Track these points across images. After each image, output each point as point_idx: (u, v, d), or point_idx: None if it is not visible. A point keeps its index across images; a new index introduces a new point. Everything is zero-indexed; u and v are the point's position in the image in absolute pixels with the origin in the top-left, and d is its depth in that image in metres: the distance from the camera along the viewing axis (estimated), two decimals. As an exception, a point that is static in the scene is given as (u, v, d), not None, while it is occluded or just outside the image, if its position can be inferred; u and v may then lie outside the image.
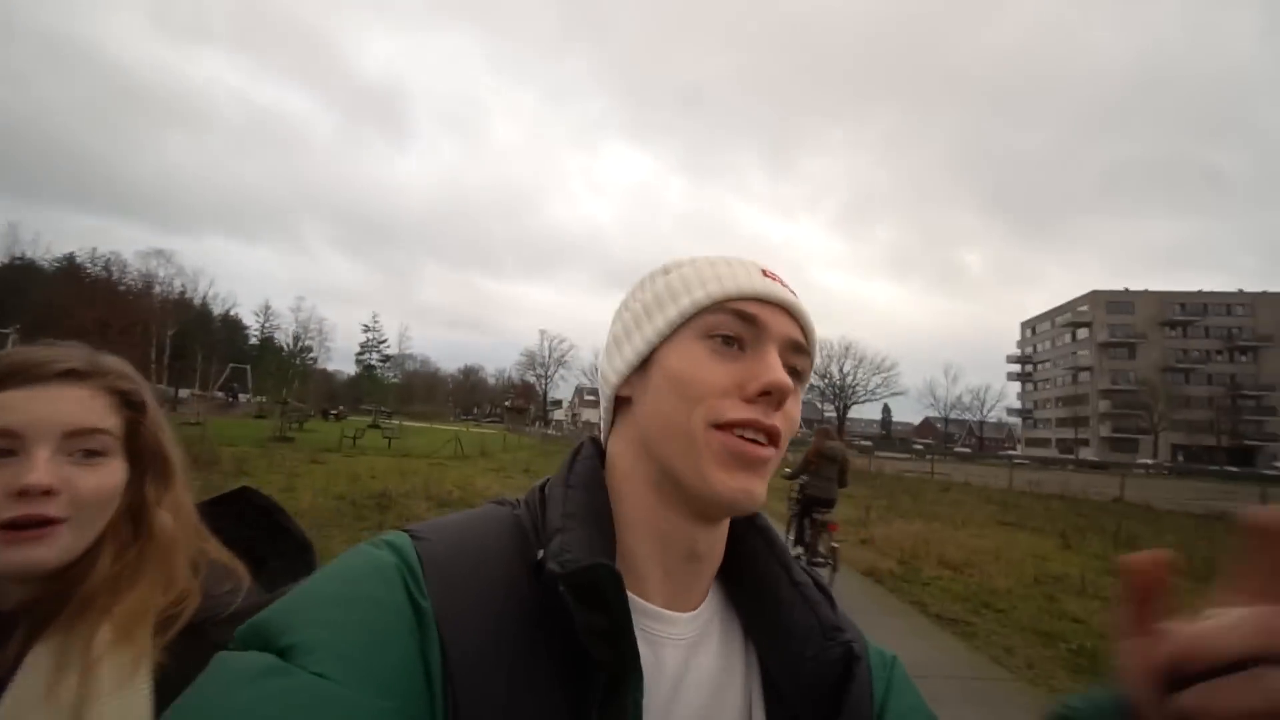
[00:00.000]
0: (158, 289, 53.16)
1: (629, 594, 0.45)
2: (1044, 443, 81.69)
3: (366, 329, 77.31)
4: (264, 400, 40.83)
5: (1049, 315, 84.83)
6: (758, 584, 0.55)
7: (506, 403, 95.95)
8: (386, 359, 79.64)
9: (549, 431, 61.15)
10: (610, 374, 0.56)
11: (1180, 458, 63.88)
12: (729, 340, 0.51)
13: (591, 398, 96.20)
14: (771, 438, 0.49)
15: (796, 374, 0.53)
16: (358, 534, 6.48)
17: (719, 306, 0.51)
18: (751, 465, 0.48)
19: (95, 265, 51.71)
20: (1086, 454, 70.05)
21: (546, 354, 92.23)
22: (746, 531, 0.57)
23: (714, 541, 0.53)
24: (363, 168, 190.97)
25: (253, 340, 69.44)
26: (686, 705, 0.48)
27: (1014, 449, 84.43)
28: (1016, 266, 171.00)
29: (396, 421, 35.59)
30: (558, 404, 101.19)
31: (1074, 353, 78.63)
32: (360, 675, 0.36)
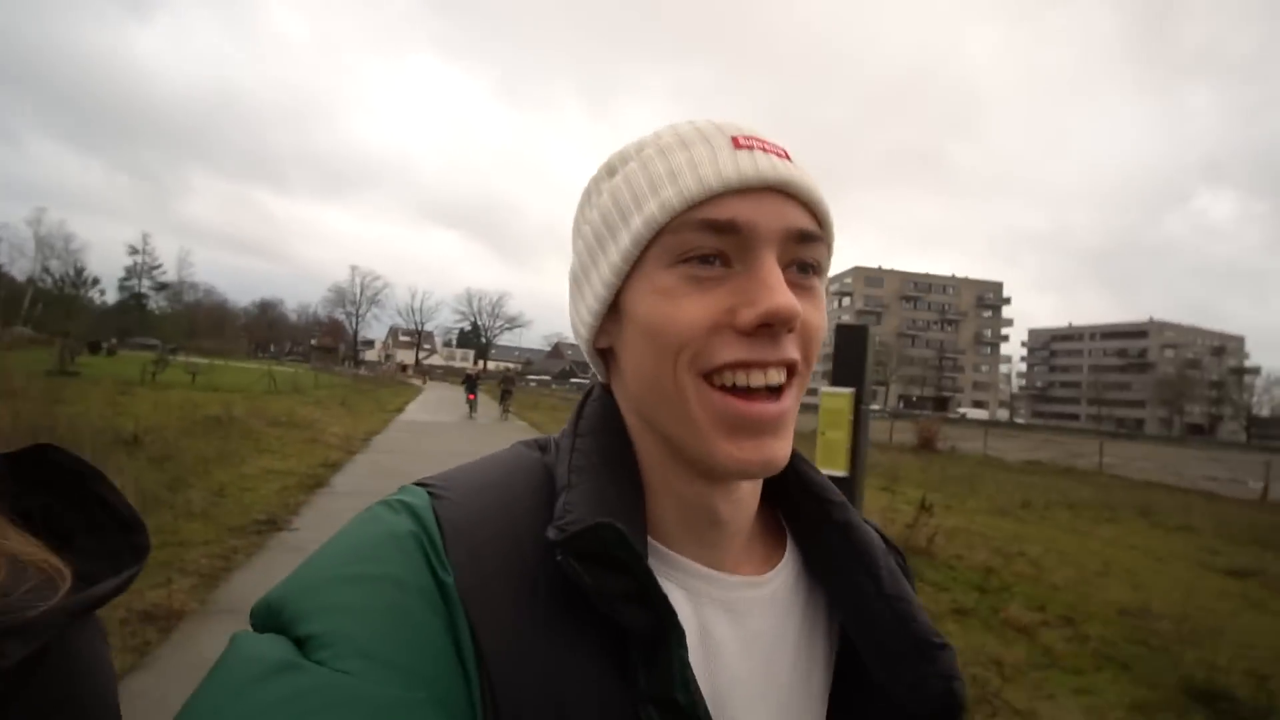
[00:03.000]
0: None
1: (670, 551, 0.43)
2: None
3: (134, 250, 67.06)
4: (2, 327, 35.12)
5: (826, 284, 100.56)
6: (842, 592, 0.47)
7: (313, 340, 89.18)
8: (162, 286, 69.86)
9: (360, 371, 59.44)
10: (579, 325, 0.46)
11: (901, 404, 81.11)
12: (707, 259, 0.39)
13: (406, 339, 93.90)
14: (789, 369, 0.39)
15: (810, 268, 0.41)
16: (217, 441, 8.60)
17: (681, 220, 0.39)
18: (761, 428, 0.39)
19: None
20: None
21: (358, 291, 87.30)
22: (823, 523, 0.48)
23: (738, 503, 0.44)
24: (82, 32, 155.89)
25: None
26: (739, 671, 0.43)
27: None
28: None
29: (181, 358, 33.24)
30: (369, 344, 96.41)
31: (839, 316, 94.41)
32: (385, 668, 0.32)
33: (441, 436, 13.51)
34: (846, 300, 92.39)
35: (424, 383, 49.27)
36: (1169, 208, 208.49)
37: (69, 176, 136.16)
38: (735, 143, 0.40)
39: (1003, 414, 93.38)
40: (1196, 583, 6.02)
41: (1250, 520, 9.98)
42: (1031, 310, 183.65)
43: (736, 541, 0.46)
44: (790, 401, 0.40)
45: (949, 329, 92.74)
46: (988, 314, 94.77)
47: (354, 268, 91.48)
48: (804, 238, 0.40)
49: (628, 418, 0.45)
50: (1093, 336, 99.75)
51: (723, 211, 0.38)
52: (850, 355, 3.48)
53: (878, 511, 6.87)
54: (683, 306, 0.39)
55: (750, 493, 0.45)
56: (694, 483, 0.43)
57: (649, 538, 0.42)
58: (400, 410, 19.63)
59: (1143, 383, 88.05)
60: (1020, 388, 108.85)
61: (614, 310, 0.43)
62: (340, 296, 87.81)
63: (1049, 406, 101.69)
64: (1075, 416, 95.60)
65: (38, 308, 48.54)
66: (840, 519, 0.48)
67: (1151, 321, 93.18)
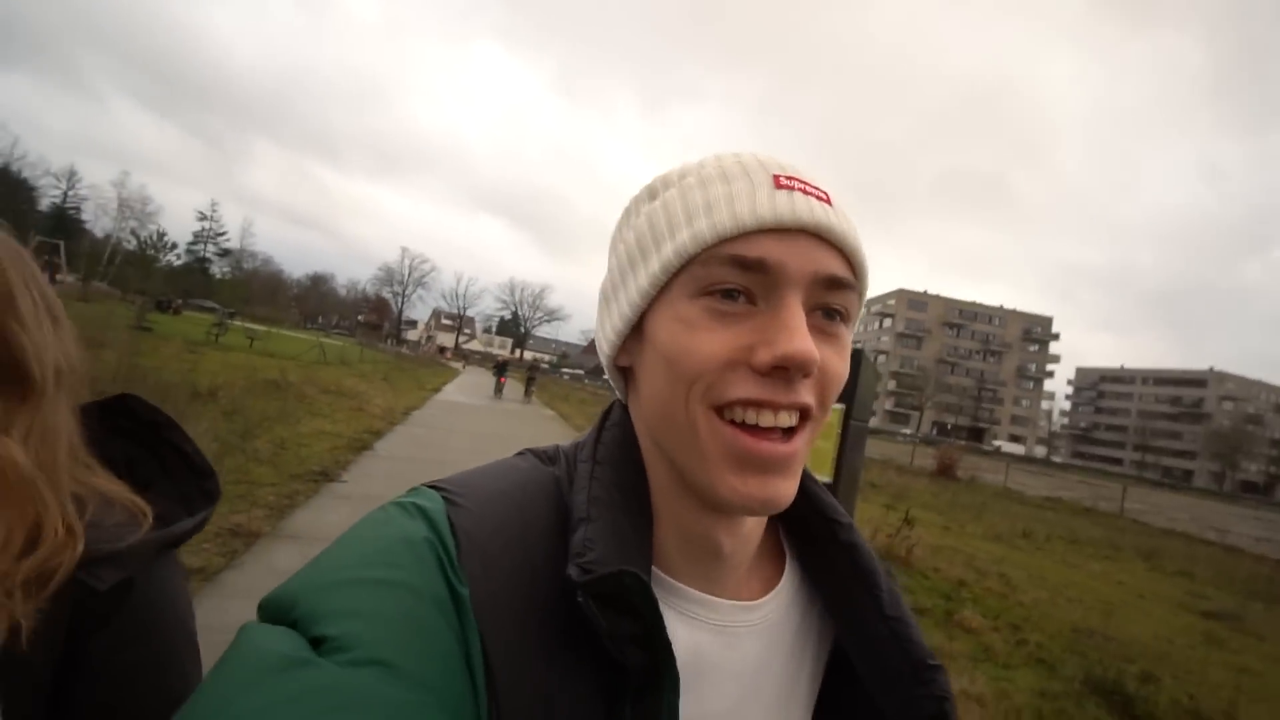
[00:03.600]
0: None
1: (670, 579, 0.44)
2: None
3: (203, 216, 70.87)
4: (80, 281, 37.87)
5: (866, 304, 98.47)
6: (843, 610, 0.48)
7: (360, 316, 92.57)
8: (225, 253, 73.61)
9: (403, 350, 61.61)
10: (603, 341, 0.47)
11: (934, 431, 79.65)
12: (731, 294, 0.39)
13: (448, 322, 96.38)
14: (802, 413, 0.39)
15: (836, 314, 0.41)
16: (276, 402, 9.57)
17: (711, 254, 0.39)
18: (767, 466, 0.39)
19: None
20: (872, 422, 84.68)
21: (406, 272, 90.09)
22: (828, 545, 0.49)
23: (741, 538, 0.45)
24: (166, 2, 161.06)
25: (41, 207, 60.54)
26: (725, 697, 0.43)
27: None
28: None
29: (238, 322, 35.27)
30: (412, 324, 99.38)
31: (879, 338, 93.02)
32: (398, 673, 0.32)
33: (474, 417, 14.36)
34: (888, 322, 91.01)
35: (463, 367, 50.85)
36: (1246, 253, 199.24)
37: (146, 140, 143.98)
38: (776, 181, 0.40)
39: (1040, 451, 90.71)
40: (1166, 618, 6.34)
41: (1257, 574, 10.00)
42: (1083, 348, 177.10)
43: (737, 572, 0.46)
44: (801, 444, 0.40)
45: (991, 360, 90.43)
46: (1034, 348, 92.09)
47: (404, 249, 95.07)
48: (833, 284, 0.40)
49: (641, 440, 0.46)
50: (1145, 381, 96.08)
51: (753, 250, 0.38)
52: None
53: (867, 522, 7.32)
54: (701, 339, 0.39)
55: (754, 527, 0.46)
56: (699, 514, 0.43)
57: (654, 567, 0.43)
58: (438, 390, 20.64)
59: (1195, 433, 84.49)
60: (1062, 426, 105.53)
61: (637, 331, 0.44)
62: (389, 276, 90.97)
63: (1091, 448, 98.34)
64: (1119, 461, 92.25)
65: (114, 265, 51.73)
66: (846, 540, 0.49)
67: (1212, 371, 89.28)
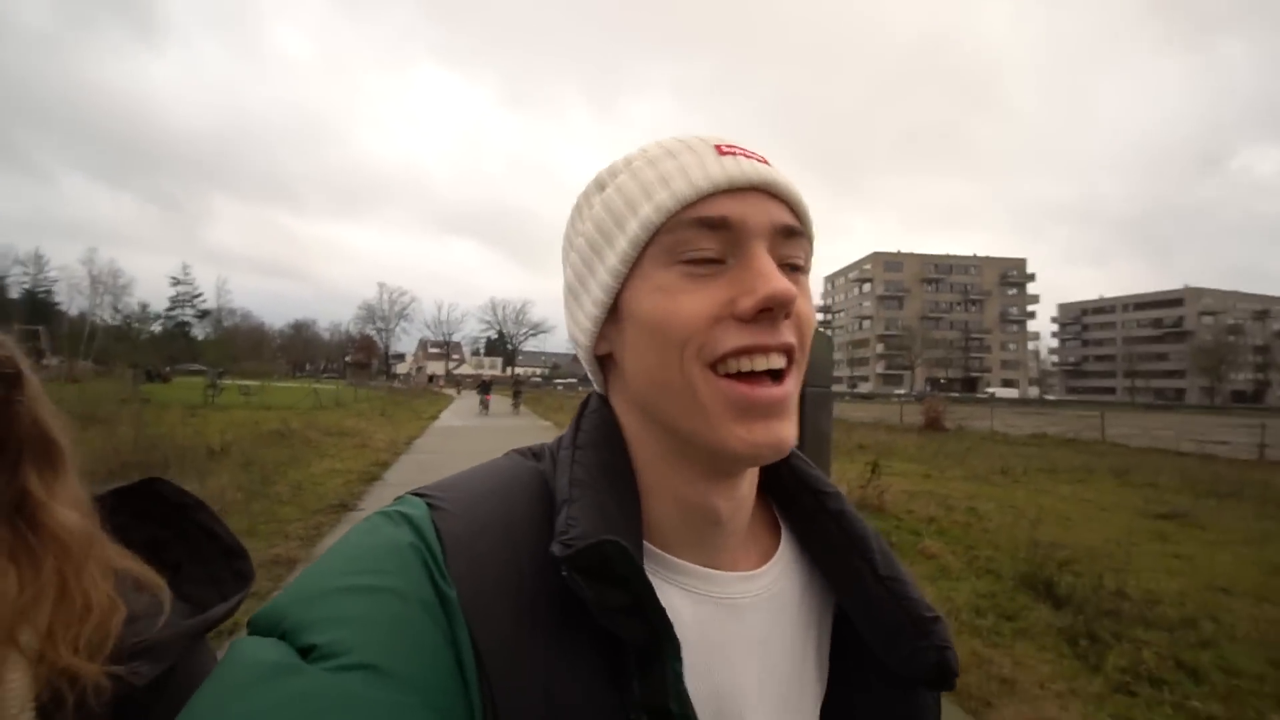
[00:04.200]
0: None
1: (666, 555, 0.45)
2: (837, 379, 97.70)
3: (177, 281, 70.75)
4: (66, 363, 37.98)
5: (843, 271, 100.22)
6: (838, 576, 0.49)
7: (347, 357, 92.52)
8: (204, 314, 73.51)
9: (395, 384, 61.88)
10: (578, 333, 0.48)
11: (929, 388, 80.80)
12: (703, 258, 0.41)
13: (436, 350, 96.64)
14: (788, 355, 0.41)
15: (795, 267, 0.43)
16: (285, 449, 10.07)
17: (676, 220, 0.41)
18: (768, 411, 0.40)
19: None
20: (866, 387, 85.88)
21: (387, 307, 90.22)
22: (818, 515, 0.51)
23: (738, 502, 0.46)
24: (102, 68, 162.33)
25: (13, 295, 60.43)
26: (736, 669, 0.44)
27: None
28: (830, 219, 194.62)
29: (229, 381, 35.58)
30: (400, 357, 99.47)
31: (860, 304, 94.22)
32: (386, 678, 0.33)
33: (470, 438, 14.89)
34: (867, 286, 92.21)
35: (457, 392, 51.32)
36: (1207, 169, 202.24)
37: (102, 212, 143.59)
38: (719, 150, 0.43)
39: (1034, 391, 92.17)
40: (1121, 523, 6.99)
41: (1221, 476, 10.68)
42: (1064, 284, 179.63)
43: (734, 540, 0.48)
44: (791, 386, 0.42)
45: (973, 309, 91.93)
46: (1012, 291, 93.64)
47: (381, 284, 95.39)
48: (789, 233, 0.43)
49: (626, 423, 0.47)
50: (1126, 308, 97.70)
51: (714, 209, 0.41)
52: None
53: (840, 480, 7.93)
54: (683, 301, 0.40)
55: (748, 490, 0.47)
56: (696, 483, 0.44)
57: (648, 543, 0.44)
58: (435, 418, 21.24)
59: (1180, 352, 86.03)
60: (1053, 364, 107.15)
61: (613, 315, 0.45)
62: (370, 313, 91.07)
63: (1084, 382, 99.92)
64: (1111, 390, 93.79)
65: (93, 341, 51.77)
66: (835, 508, 0.50)
67: (1186, 288, 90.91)
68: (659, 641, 0.38)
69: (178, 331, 69.68)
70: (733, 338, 0.40)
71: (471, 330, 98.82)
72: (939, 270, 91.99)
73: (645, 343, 0.42)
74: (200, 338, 72.48)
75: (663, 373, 0.42)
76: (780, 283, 0.40)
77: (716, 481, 0.44)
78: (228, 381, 34.11)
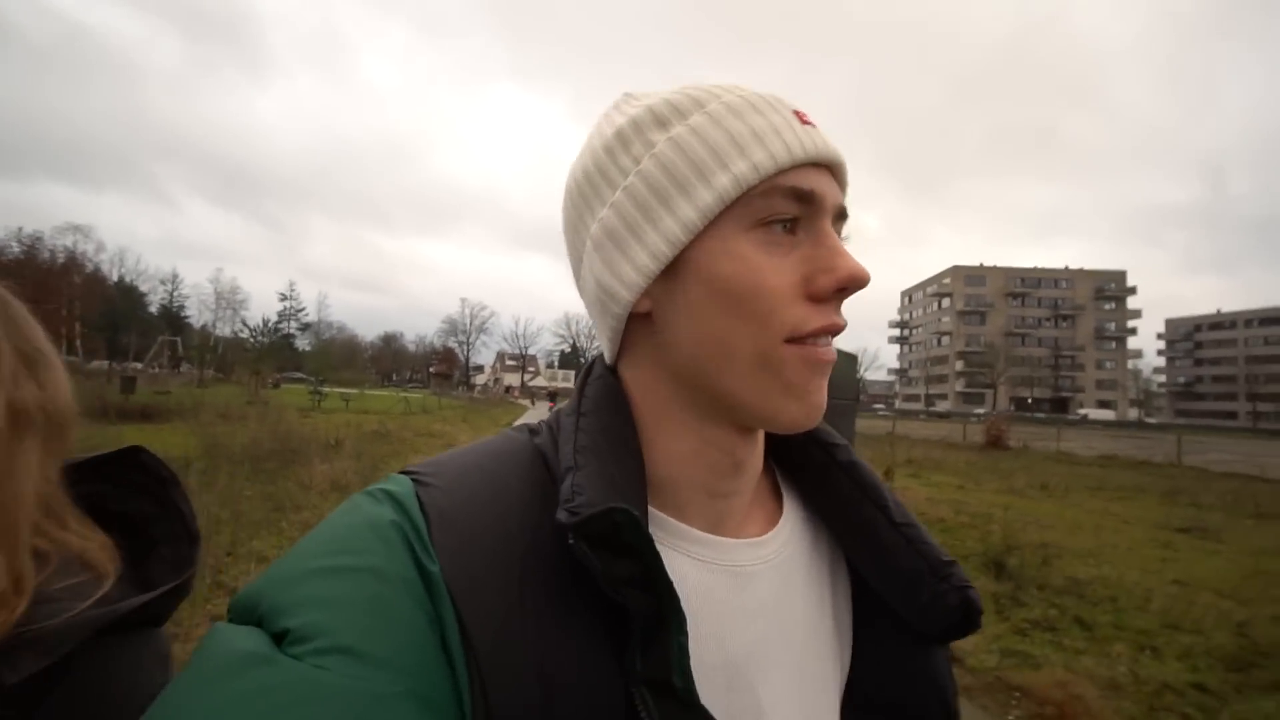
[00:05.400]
0: (80, 267, 52.51)
1: (673, 520, 0.43)
2: (915, 398, 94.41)
3: (284, 297, 78.17)
4: (195, 369, 43.31)
5: (921, 286, 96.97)
6: (851, 528, 0.49)
7: (431, 368, 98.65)
8: (306, 326, 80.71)
9: (474, 395, 65.69)
10: (616, 285, 0.43)
11: (1012, 407, 76.77)
12: (784, 226, 0.40)
13: (512, 362, 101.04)
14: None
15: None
16: (386, 446, 11.90)
17: (770, 184, 0.39)
18: (824, 373, 0.41)
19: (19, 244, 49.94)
20: (944, 406, 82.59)
21: (468, 321, 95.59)
22: (829, 467, 0.50)
23: (754, 450, 0.46)
24: (218, 104, 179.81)
25: (152, 308, 68.95)
26: (748, 638, 0.43)
27: (881, 405, 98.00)
28: (910, 227, 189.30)
29: (328, 389, 39.52)
30: (479, 369, 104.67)
31: (939, 319, 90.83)
32: (363, 662, 0.31)
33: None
34: (945, 302, 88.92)
35: (531, 403, 54.15)
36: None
37: (218, 233, 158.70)
38: (800, 117, 0.41)
39: (1134, 414, 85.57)
40: (1130, 533, 7.43)
41: (1266, 498, 10.49)
42: (1180, 295, 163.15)
43: (741, 501, 0.47)
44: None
45: (1064, 325, 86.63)
46: (1110, 306, 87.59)
47: (463, 300, 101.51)
48: (842, 215, 0.43)
49: (643, 385, 0.45)
50: (1248, 323, 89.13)
51: (805, 181, 0.39)
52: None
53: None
54: (767, 272, 0.39)
55: (762, 444, 0.47)
56: (725, 439, 0.44)
57: (654, 509, 0.44)
58: (509, 425, 23.10)
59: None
60: (1159, 385, 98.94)
61: (668, 271, 0.41)
62: (453, 327, 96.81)
63: (1196, 404, 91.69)
64: (1232, 415, 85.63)
65: (216, 352, 58.34)
66: (845, 460, 0.50)
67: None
68: (665, 614, 0.36)
69: (284, 343, 76.77)
70: (814, 317, 0.40)
71: (546, 344, 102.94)
72: (1025, 284, 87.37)
73: (715, 307, 0.40)
74: (301, 349, 79.57)
75: (731, 340, 0.40)
76: (858, 264, 0.39)
77: (741, 433, 0.45)
78: (326, 389, 38.04)
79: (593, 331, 0.51)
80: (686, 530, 0.44)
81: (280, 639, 0.33)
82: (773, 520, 0.49)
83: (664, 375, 0.44)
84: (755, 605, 0.45)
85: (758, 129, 0.40)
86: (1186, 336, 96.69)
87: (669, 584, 0.37)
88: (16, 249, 47.52)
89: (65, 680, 0.45)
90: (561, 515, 0.37)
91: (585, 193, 0.45)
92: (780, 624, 0.45)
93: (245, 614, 0.35)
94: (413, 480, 0.40)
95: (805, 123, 0.41)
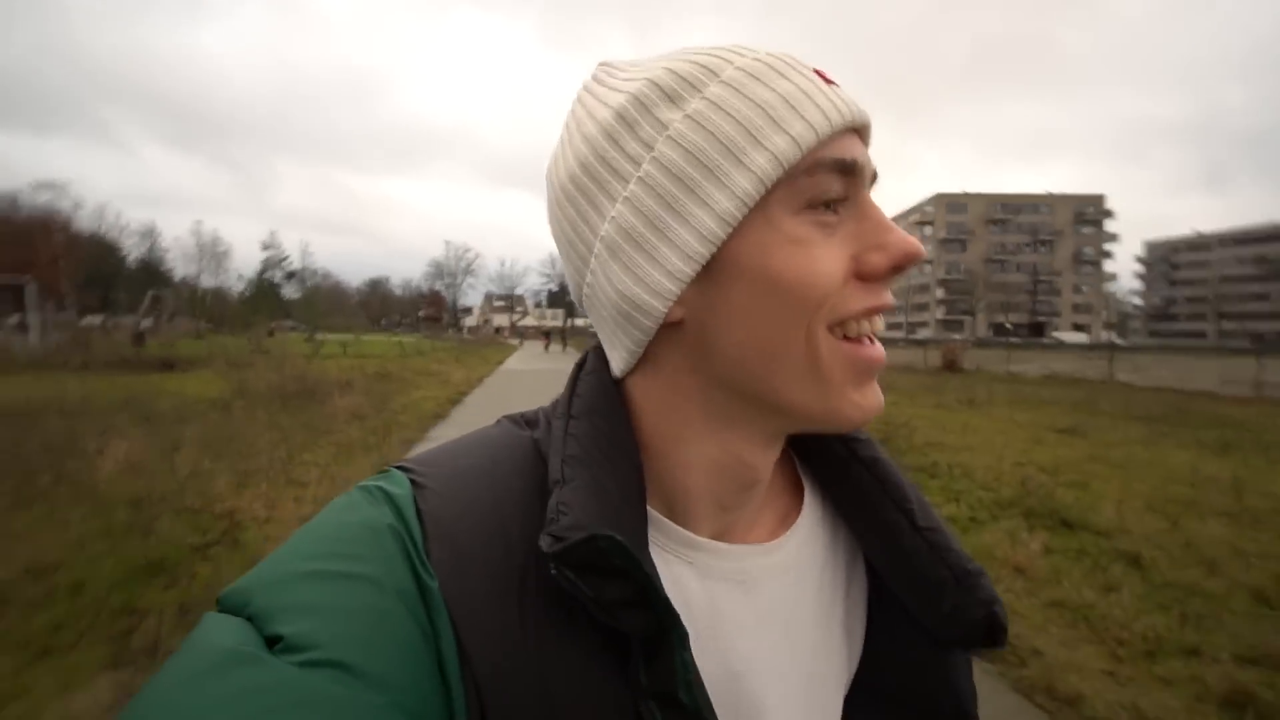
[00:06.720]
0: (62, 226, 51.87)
1: (677, 526, 0.41)
2: (897, 325, 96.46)
3: (266, 246, 77.67)
4: (195, 321, 44.15)
5: (905, 215, 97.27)
6: (872, 528, 0.46)
7: (421, 312, 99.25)
8: (291, 275, 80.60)
9: (465, 336, 67.15)
10: (643, 294, 0.37)
11: (991, 333, 78.97)
12: (830, 205, 0.36)
13: (500, 303, 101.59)
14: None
15: None
16: (389, 384, 13.36)
17: (814, 159, 0.35)
18: (874, 373, 0.38)
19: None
20: (925, 333, 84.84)
21: (453, 263, 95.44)
22: (850, 462, 0.47)
23: (772, 462, 0.43)
24: (156, 36, 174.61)
25: (129, 262, 68.53)
26: (754, 648, 0.41)
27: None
28: (893, 153, 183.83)
29: (321, 336, 40.61)
30: (468, 311, 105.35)
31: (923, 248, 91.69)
32: (353, 673, 0.30)
33: (528, 377, 17.98)
34: (928, 229, 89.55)
35: (520, 343, 56.10)
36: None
37: (179, 178, 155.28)
38: (823, 77, 0.37)
39: (1107, 336, 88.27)
40: (1008, 433, 8.98)
41: (1174, 407, 11.96)
42: (1171, 215, 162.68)
43: (753, 506, 0.44)
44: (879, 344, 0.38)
45: (1043, 250, 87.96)
46: (1088, 230, 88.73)
47: (448, 242, 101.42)
48: (873, 180, 0.38)
49: (671, 396, 0.40)
50: (1224, 244, 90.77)
51: (846, 150, 0.36)
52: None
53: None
54: (818, 257, 0.35)
55: (780, 449, 0.44)
56: (750, 448, 0.41)
57: (657, 514, 0.41)
58: (500, 363, 25.12)
59: (1280, 291, 79.93)
60: (1135, 307, 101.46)
61: (702, 272, 0.36)
62: (439, 270, 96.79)
63: (1171, 325, 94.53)
64: (1201, 334, 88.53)
65: (204, 302, 58.77)
66: (868, 455, 0.47)
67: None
68: (665, 630, 0.35)
69: (270, 290, 76.91)
70: (859, 298, 0.36)
71: (533, 284, 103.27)
72: (1006, 211, 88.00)
73: (763, 306, 0.36)
74: (289, 297, 79.77)
75: (781, 341, 0.36)
76: (911, 239, 0.36)
77: (766, 444, 0.41)
78: (320, 336, 39.22)
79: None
80: (690, 537, 0.41)
81: (271, 644, 0.31)
82: (786, 519, 0.47)
83: (694, 384, 0.40)
84: (762, 613, 0.42)
85: (788, 96, 0.35)
86: (1164, 259, 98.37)
87: (666, 602, 0.35)
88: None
89: None
90: (543, 542, 0.34)
91: (585, 189, 0.39)
92: (789, 633, 0.43)
93: (234, 613, 0.33)
94: (410, 480, 0.39)
95: (829, 82, 0.37)
